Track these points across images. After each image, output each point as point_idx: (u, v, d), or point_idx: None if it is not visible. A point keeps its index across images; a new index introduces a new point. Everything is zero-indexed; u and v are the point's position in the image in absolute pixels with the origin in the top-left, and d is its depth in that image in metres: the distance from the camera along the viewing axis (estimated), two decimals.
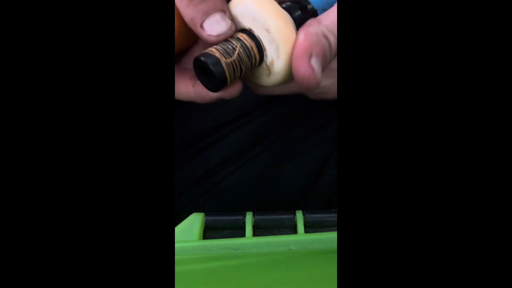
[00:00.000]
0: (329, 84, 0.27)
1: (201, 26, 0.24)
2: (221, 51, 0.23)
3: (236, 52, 0.23)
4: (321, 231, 0.30)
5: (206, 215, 0.32)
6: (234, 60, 0.23)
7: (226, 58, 0.23)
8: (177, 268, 0.26)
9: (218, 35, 0.24)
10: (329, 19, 0.24)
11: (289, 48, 0.24)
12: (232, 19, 0.24)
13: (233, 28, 0.24)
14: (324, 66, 0.24)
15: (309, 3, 0.26)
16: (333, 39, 0.24)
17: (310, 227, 0.31)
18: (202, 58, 0.22)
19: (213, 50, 0.23)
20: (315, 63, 0.23)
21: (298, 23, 0.24)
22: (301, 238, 0.29)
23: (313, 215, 0.32)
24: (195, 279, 0.27)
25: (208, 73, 0.23)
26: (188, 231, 0.30)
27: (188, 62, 0.28)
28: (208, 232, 0.31)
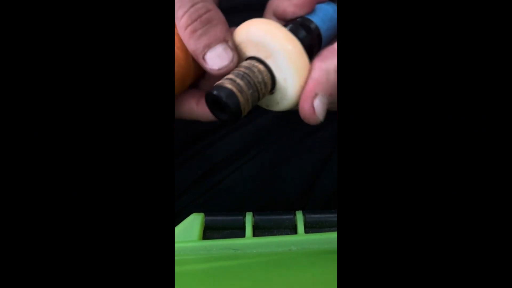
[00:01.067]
0: None
1: (203, 59, 0.24)
2: (234, 83, 0.22)
3: (250, 82, 0.22)
4: (321, 231, 0.30)
5: (206, 215, 0.32)
6: (248, 91, 0.22)
7: (239, 90, 0.22)
8: (177, 268, 0.26)
9: (219, 69, 0.24)
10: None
11: (300, 73, 0.23)
12: (235, 48, 0.24)
13: (236, 59, 0.24)
14: (334, 99, 0.24)
15: (311, 22, 0.26)
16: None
17: (310, 227, 0.31)
18: (215, 92, 0.22)
19: (225, 82, 0.22)
20: (318, 103, 0.23)
21: (305, 45, 0.24)
22: (301, 238, 0.29)
23: (313, 215, 0.32)
24: (195, 279, 0.27)
25: (222, 107, 0.22)
26: (188, 231, 0.30)
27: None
28: (208, 232, 0.31)
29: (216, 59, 0.23)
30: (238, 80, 0.22)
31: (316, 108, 0.23)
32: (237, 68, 0.23)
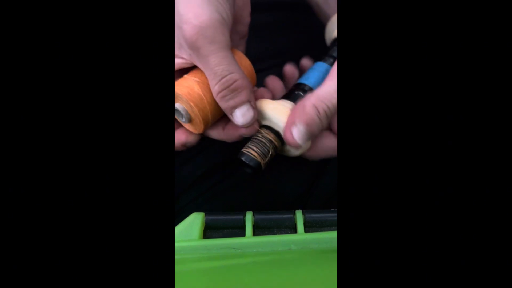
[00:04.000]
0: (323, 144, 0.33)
1: (231, 116, 0.31)
2: (253, 150, 0.31)
3: (264, 145, 0.32)
4: (321, 231, 0.30)
5: (206, 214, 0.32)
6: (263, 152, 0.31)
7: (258, 154, 0.31)
8: (178, 268, 0.26)
9: (244, 124, 0.31)
10: (322, 89, 0.30)
11: None
12: (256, 106, 0.31)
13: (256, 116, 0.31)
14: (312, 130, 0.30)
15: (305, 85, 0.34)
16: (324, 106, 0.30)
17: (310, 227, 0.31)
18: (243, 159, 0.31)
19: (248, 151, 0.31)
20: (296, 130, 0.30)
21: None
22: (301, 237, 0.29)
23: (313, 215, 0.32)
24: (195, 279, 0.27)
25: (248, 166, 0.31)
26: (188, 231, 0.30)
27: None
28: (208, 231, 0.31)
29: (241, 117, 0.31)
30: (251, 145, 0.31)
31: (294, 134, 0.30)
32: (254, 136, 0.32)
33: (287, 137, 0.31)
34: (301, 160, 0.40)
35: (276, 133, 0.32)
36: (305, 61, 0.39)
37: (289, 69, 0.38)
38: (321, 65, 0.36)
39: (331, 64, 0.36)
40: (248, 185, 0.40)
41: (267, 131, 0.32)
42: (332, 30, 0.39)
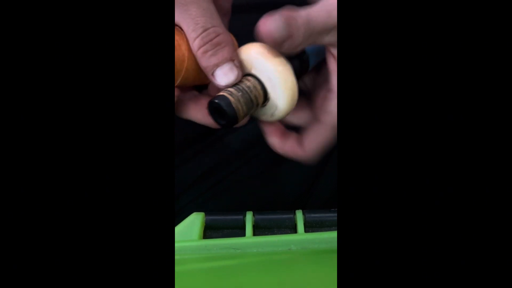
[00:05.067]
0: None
1: (213, 75, 0.27)
2: (232, 94, 0.27)
3: (246, 95, 0.27)
4: (321, 231, 0.30)
5: (206, 214, 0.32)
6: (243, 101, 0.27)
7: (236, 101, 0.26)
8: (178, 268, 0.26)
9: (226, 84, 0.27)
10: (314, 9, 0.26)
11: (288, 90, 0.28)
12: (240, 66, 0.28)
13: (240, 76, 0.28)
14: (290, 31, 0.25)
15: (304, 53, 0.30)
16: (310, 25, 0.26)
17: (310, 227, 0.31)
18: (217, 101, 0.26)
19: (225, 94, 0.27)
20: (274, 20, 0.25)
21: (295, 70, 0.29)
22: (301, 237, 0.29)
23: (313, 215, 0.32)
24: (195, 279, 0.27)
25: (221, 113, 0.27)
26: (188, 231, 0.30)
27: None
28: (208, 231, 0.31)
29: (223, 76, 0.27)
30: (235, 92, 0.27)
31: (271, 22, 0.25)
32: (237, 83, 0.28)
33: (260, 26, 0.26)
34: None
35: (262, 84, 0.28)
36: None
37: None
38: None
39: None
40: (248, 185, 0.40)
41: (254, 81, 0.28)
42: None
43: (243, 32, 0.36)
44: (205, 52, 0.27)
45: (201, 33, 0.27)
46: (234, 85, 0.28)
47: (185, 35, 0.28)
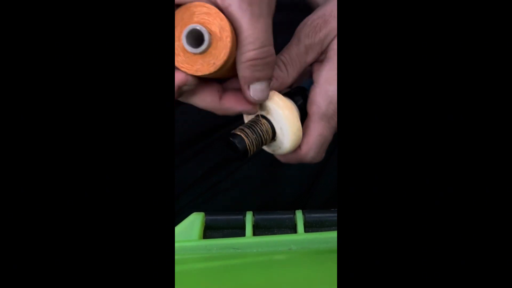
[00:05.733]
0: None
1: (248, 87, 0.28)
2: (248, 136, 0.30)
3: (258, 138, 0.31)
4: (321, 231, 0.30)
5: (206, 214, 0.32)
6: (253, 138, 0.31)
7: (250, 143, 0.30)
8: (178, 268, 0.26)
9: (256, 100, 0.29)
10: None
11: (292, 130, 0.31)
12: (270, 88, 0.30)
13: (267, 97, 0.30)
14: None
15: (305, 90, 0.34)
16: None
17: (310, 227, 0.31)
18: (231, 138, 0.30)
19: (242, 135, 0.30)
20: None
21: (299, 107, 0.33)
22: (301, 237, 0.29)
23: (313, 215, 0.32)
24: (195, 279, 0.27)
25: (235, 149, 0.30)
26: (188, 231, 0.30)
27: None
28: (208, 231, 0.31)
29: (259, 92, 0.29)
30: (251, 135, 0.30)
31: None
32: (249, 121, 0.31)
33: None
34: None
35: (272, 127, 0.32)
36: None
37: None
38: None
39: None
40: (248, 185, 0.40)
41: (265, 121, 0.32)
42: None
43: None
44: (254, 66, 0.27)
45: (259, 48, 0.27)
46: (248, 124, 0.31)
47: (232, 29, 0.27)
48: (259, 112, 0.32)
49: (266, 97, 0.29)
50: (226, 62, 0.27)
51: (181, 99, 0.30)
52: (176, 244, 0.28)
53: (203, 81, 0.29)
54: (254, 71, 0.28)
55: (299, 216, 0.32)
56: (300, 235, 0.30)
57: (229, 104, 0.29)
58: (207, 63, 0.26)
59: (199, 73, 0.27)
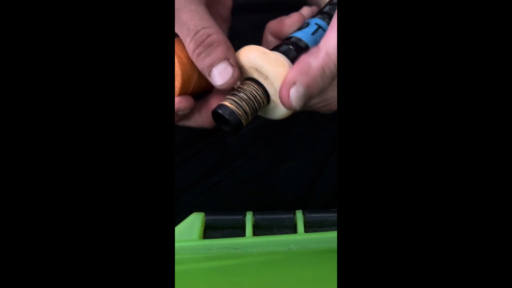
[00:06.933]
0: (335, 95, 0.29)
1: (209, 76, 0.28)
2: (234, 102, 0.27)
3: (247, 100, 0.28)
4: (321, 231, 0.30)
5: (206, 214, 0.32)
6: (245, 107, 0.27)
7: (238, 107, 0.27)
8: (178, 268, 0.26)
9: (222, 84, 0.28)
10: (328, 44, 0.27)
11: None
12: (237, 64, 0.28)
13: (236, 74, 0.28)
14: (312, 92, 0.27)
15: (301, 40, 0.30)
16: (332, 65, 0.27)
17: (310, 227, 0.31)
18: (220, 111, 0.27)
19: (226, 102, 0.27)
20: (294, 91, 0.27)
21: (294, 62, 0.28)
22: (301, 237, 0.29)
23: (313, 215, 0.32)
24: (195, 279, 0.27)
25: (226, 121, 0.27)
26: (188, 231, 0.30)
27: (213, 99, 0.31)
28: (208, 231, 0.31)
29: (218, 76, 0.27)
30: (237, 99, 0.27)
31: (291, 95, 0.27)
32: (237, 88, 0.28)
33: (282, 96, 0.27)
34: (301, 160, 0.40)
35: (264, 89, 0.28)
36: (306, 10, 0.35)
37: (307, 11, 0.34)
38: (318, 22, 0.32)
39: (328, 23, 0.31)
40: (248, 185, 0.40)
41: (254, 85, 0.28)
42: None
43: (243, 32, 0.36)
44: (199, 54, 0.27)
45: (193, 36, 0.27)
46: (235, 91, 0.28)
47: (179, 44, 0.28)
48: (247, 75, 0.29)
49: (230, 77, 0.27)
50: (185, 83, 0.28)
51: (181, 123, 0.31)
52: (176, 244, 0.29)
53: (198, 103, 0.30)
54: (202, 59, 0.27)
55: (299, 216, 0.32)
56: (300, 235, 0.30)
57: (206, 113, 0.30)
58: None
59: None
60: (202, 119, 0.31)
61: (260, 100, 0.28)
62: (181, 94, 0.29)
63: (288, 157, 0.40)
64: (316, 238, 0.29)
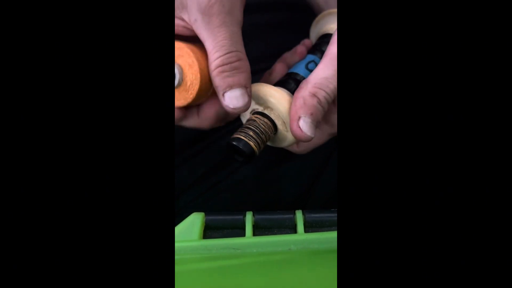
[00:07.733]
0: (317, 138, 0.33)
1: (223, 95, 0.28)
2: (247, 134, 0.30)
3: (258, 131, 0.30)
4: (321, 231, 0.30)
5: (206, 214, 0.32)
6: (256, 138, 0.30)
7: (250, 139, 0.29)
8: (177, 268, 0.26)
9: (233, 108, 0.29)
10: (316, 76, 0.29)
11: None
12: (250, 95, 0.29)
13: (249, 104, 0.29)
14: (317, 118, 0.29)
15: (298, 74, 0.34)
16: (322, 92, 0.29)
17: (310, 227, 0.31)
18: (234, 143, 0.29)
19: (241, 136, 0.30)
20: (302, 123, 0.29)
21: (293, 93, 0.31)
22: (301, 238, 0.29)
23: (313, 215, 0.32)
24: (195, 279, 0.27)
25: (239, 152, 0.30)
26: (188, 231, 0.30)
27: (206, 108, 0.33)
28: (208, 231, 0.31)
29: (234, 99, 0.28)
30: (248, 131, 0.30)
31: (302, 127, 0.29)
32: (247, 122, 0.31)
33: (295, 131, 0.29)
34: (301, 160, 0.40)
35: (272, 121, 0.31)
36: (300, 48, 0.38)
37: (301, 49, 0.36)
38: (311, 58, 0.35)
39: (320, 57, 0.34)
40: (248, 185, 0.40)
41: (263, 118, 0.31)
42: (321, 26, 0.38)
43: (243, 32, 0.36)
44: (222, 72, 0.28)
45: (224, 54, 0.28)
46: (246, 124, 0.30)
47: (201, 54, 0.29)
48: (255, 109, 0.32)
49: (243, 105, 0.29)
50: (201, 91, 0.29)
51: (178, 124, 0.32)
52: (176, 244, 0.28)
53: (193, 107, 0.31)
54: (224, 78, 0.28)
55: (299, 216, 0.31)
56: (300, 235, 0.30)
57: (206, 114, 0.31)
58: (183, 96, 0.29)
59: (180, 105, 0.30)
60: (200, 120, 0.31)
61: (269, 130, 0.31)
62: (196, 99, 0.30)
63: (288, 157, 0.40)
64: (316, 238, 0.29)
